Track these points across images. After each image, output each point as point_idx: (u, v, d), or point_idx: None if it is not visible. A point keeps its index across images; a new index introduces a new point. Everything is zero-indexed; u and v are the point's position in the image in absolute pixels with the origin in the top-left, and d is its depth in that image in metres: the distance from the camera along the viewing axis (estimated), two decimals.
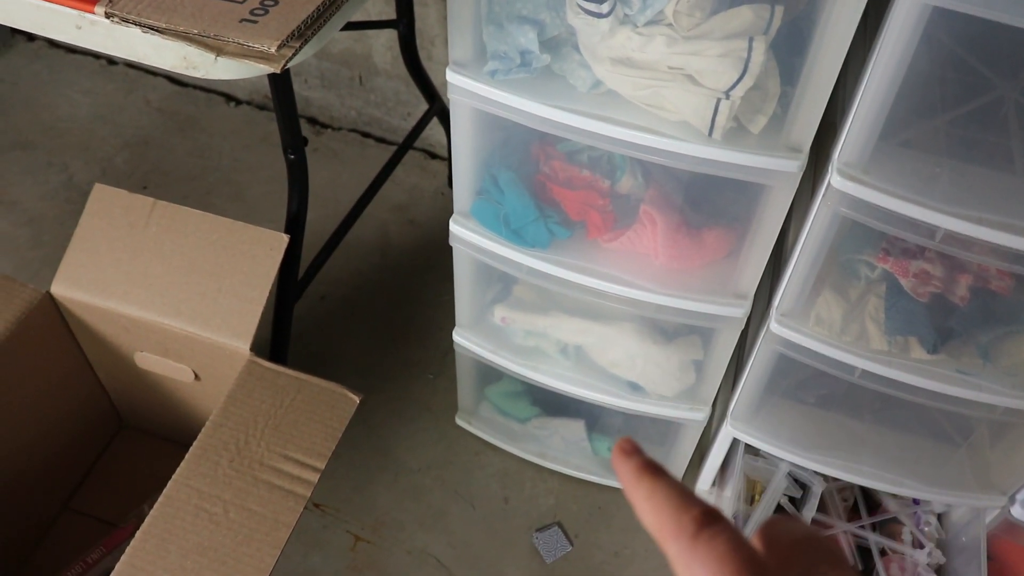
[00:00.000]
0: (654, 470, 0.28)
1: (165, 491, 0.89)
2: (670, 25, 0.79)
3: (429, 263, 1.65)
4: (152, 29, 0.70)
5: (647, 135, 0.84)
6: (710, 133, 0.83)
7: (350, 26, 1.49)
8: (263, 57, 0.68)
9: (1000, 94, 0.89)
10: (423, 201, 1.76)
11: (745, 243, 0.96)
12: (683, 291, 0.99)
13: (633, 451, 0.29)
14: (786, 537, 0.28)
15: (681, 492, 0.27)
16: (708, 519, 0.26)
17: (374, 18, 1.52)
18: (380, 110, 1.84)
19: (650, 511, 0.27)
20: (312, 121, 1.92)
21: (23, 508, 1.18)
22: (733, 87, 0.79)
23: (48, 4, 0.73)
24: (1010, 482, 1.12)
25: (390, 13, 1.43)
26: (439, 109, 1.55)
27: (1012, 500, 1.13)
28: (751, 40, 0.77)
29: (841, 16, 0.74)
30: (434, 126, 1.68)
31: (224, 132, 1.90)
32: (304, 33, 0.69)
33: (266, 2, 0.71)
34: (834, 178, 0.84)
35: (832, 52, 0.77)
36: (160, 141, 1.87)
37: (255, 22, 0.69)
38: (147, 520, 0.87)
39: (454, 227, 1.05)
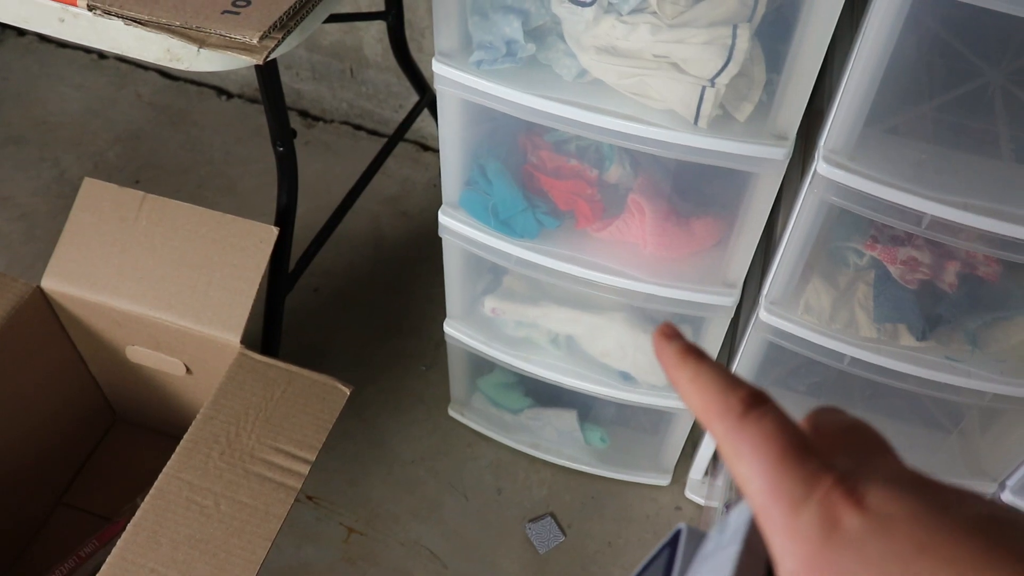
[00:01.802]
0: (697, 353, 0.28)
1: (156, 484, 0.89)
2: (654, 13, 0.79)
3: (421, 255, 1.65)
4: (135, 21, 0.70)
5: (633, 124, 0.84)
6: (696, 121, 0.83)
7: (339, 18, 1.49)
8: (245, 48, 0.68)
9: (986, 80, 0.89)
10: (415, 193, 1.76)
11: (733, 231, 0.96)
12: (672, 280, 0.99)
13: (674, 335, 0.29)
14: (833, 423, 0.28)
15: (726, 373, 0.27)
16: (756, 399, 0.26)
17: (363, 10, 1.51)
18: (371, 102, 1.83)
19: (695, 392, 0.27)
20: (304, 114, 1.92)
21: (17, 503, 1.19)
22: (718, 75, 0.79)
23: None
24: (1000, 468, 1.13)
25: (379, 5, 1.43)
26: (430, 100, 1.54)
27: (1002, 486, 1.13)
28: (735, 27, 0.77)
29: (824, 2, 0.74)
30: (426, 118, 1.68)
31: (216, 125, 1.89)
32: (287, 24, 0.69)
33: None
34: (820, 165, 0.84)
35: (816, 38, 0.77)
36: (152, 135, 1.87)
37: (237, 13, 0.69)
38: (138, 513, 0.87)
39: (443, 218, 1.05)
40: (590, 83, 0.87)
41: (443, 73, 0.89)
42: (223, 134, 1.87)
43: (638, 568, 0.30)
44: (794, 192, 0.96)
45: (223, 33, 0.68)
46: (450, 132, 0.98)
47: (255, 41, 0.67)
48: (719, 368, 0.27)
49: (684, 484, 1.36)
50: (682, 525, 0.29)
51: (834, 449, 0.26)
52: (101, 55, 2.03)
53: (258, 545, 0.86)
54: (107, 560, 0.84)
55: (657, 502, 1.35)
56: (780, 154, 0.84)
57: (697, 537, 0.28)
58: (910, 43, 0.79)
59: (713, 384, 0.26)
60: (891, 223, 0.86)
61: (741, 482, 0.25)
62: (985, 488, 1.15)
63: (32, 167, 1.78)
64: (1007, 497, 1.13)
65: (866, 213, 0.86)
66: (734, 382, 0.26)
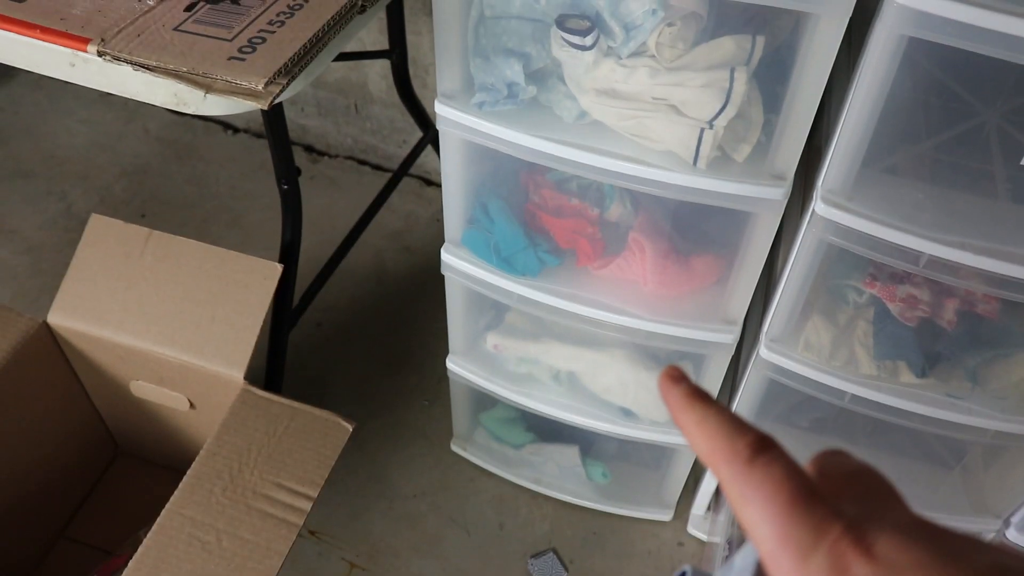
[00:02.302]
0: (704, 396, 0.28)
1: (159, 520, 0.90)
2: (653, 56, 0.80)
3: (424, 290, 1.66)
4: (143, 67, 0.71)
5: (633, 165, 0.85)
6: (695, 162, 0.84)
7: (343, 56, 1.51)
8: (251, 94, 0.69)
9: (982, 119, 0.90)
10: (418, 228, 1.77)
11: (733, 269, 0.97)
12: (673, 318, 1.00)
13: (681, 378, 0.29)
14: (840, 468, 0.28)
15: (733, 417, 0.27)
16: (763, 444, 0.26)
17: (368, 48, 1.54)
18: (376, 138, 1.85)
19: (702, 436, 0.27)
20: (309, 149, 1.94)
21: (20, 536, 1.19)
22: (716, 117, 0.80)
23: (43, 43, 0.75)
24: (1004, 505, 1.12)
25: (383, 43, 1.45)
26: (433, 136, 1.56)
27: (1007, 523, 1.13)
28: (733, 70, 0.79)
29: (821, 45, 0.75)
30: (429, 153, 1.70)
31: (222, 160, 1.91)
32: (291, 70, 0.71)
33: (254, 40, 0.72)
34: (818, 205, 0.85)
35: (813, 80, 0.78)
36: (158, 169, 1.89)
37: (243, 60, 0.70)
38: (140, 549, 0.88)
39: (445, 256, 1.06)
40: (590, 124, 0.88)
41: (445, 114, 0.91)
42: (229, 168, 1.89)
43: None
44: (793, 230, 0.97)
45: (229, 79, 0.69)
46: (452, 171, 0.99)
47: (260, 87, 0.69)
48: (726, 412, 0.27)
49: (686, 520, 1.35)
50: (687, 567, 0.29)
51: (841, 495, 0.26)
52: None
53: None
54: None
55: (659, 537, 1.35)
56: (778, 194, 0.85)
57: None
58: (906, 84, 0.80)
59: (720, 428, 0.26)
60: (889, 263, 0.87)
61: (748, 527, 0.25)
62: (989, 525, 1.15)
63: (39, 201, 1.80)
64: (1012, 534, 1.13)
65: (864, 252, 0.86)
66: (741, 426, 0.26)
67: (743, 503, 0.25)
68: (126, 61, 0.71)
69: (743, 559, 0.26)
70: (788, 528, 0.23)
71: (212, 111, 0.73)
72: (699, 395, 0.28)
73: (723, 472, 0.26)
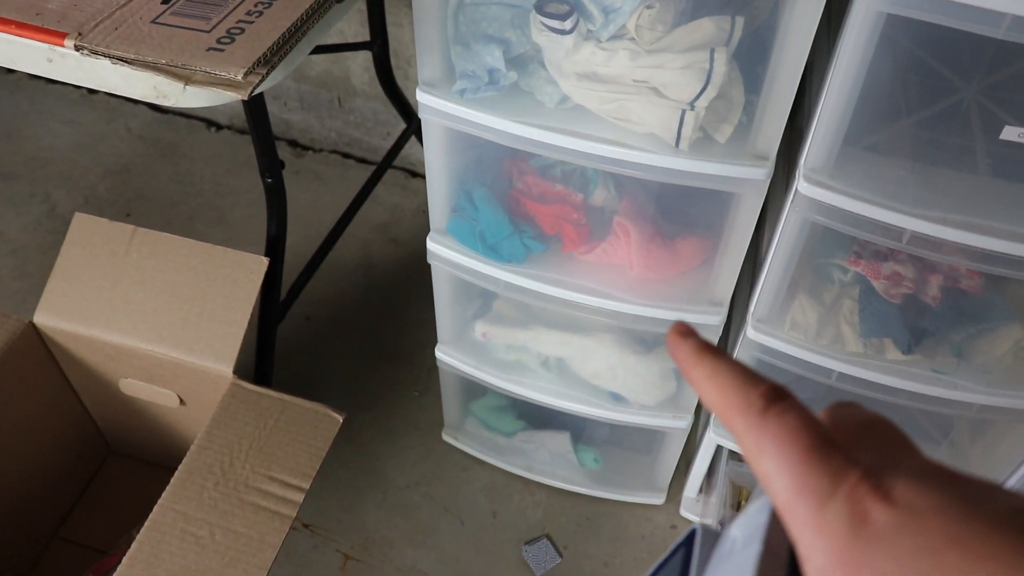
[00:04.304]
0: (713, 350, 0.27)
1: (151, 515, 0.90)
2: (633, 39, 0.80)
3: (412, 281, 1.66)
4: (121, 60, 0.71)
5: (615, 148, 0.85)
6: (677, 144, 0.84)
7: (324, 49, 1.51)
8: (230, 84, 0.69)
9: (962, 96, 0.90)
10: (404, 220, 1.77)
11: (718, 251, 0.97)
12: (659, 301, 1.00)
13: (688, 333, 0.28)
14: (853, 419, 0.28)
15: (744, 369, 0.26)
16: (776, 395, 0.25)
17: (349, 40, 1.53)
18: (360, 131, 1.85)
19: (714, 389, 0.26)
20: (292, 143, 1.93)
21: (13, 537, 1.19)
22: (697, 98, 0.81)
23: (19, 39, 0.75)
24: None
25: (364, 35, 1.45)
26: (417, 127, 1.56)
27: None
28: (713, 51, 0.79)
29: (800, 24, 0.76)
30: (414, 145, 1.70)
31: (206, 157, 1.91)
32: (271, 60, 0.71)
33: (233, 30, 0.72)
34: (801, 184, 0.86)
35: (793, 60, 0.78)
36: (142, 168, 1.88)
37: (222, 50, 0.70)
38: (134, 545, 0.88)
39: (431, 244, 1.06)
40: (572, 109, 0.88)
41: (427, 102, 0.91)
42: (213, 166, 1.88)
43: (651, 569, 0.29)
44: (777, 211, 0.98)
45: (208, 70, 0.69)
46: (436, 160, 0.99)
47: (240, 77, 0.68)
48: (736, 364, 0.27)
49: (679, 503, 1.36)
50: (697, 525, 0.29)
51: (856, 444, 0.26)
52: (90, 90, 2.04)
53: (254, 574, 0.86)
54: None
55: (652, 521, 1.35)
56: (761, 174, 0.85)
57: (712, 537, 0.28)
58: (885, 62, 0.80)
59: (732, 380, 0.26)
60: (873, 240, 0.87)
61: (764, 478, 0.24)
62: None
63: (23, 203, 1.79)
64: None
65: (848, 230, 0.87)
66: (753, 377, 0.26)
67: (758, 454, 0.25)
68: (104, 55, 0.71)
69: (755, 516, 0.26)
70: (805, 477, 0.23)
71: (192, 103, 0.73)
72: (708, 349, 0.28)
73: (737, 424, 0.25)
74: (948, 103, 0.90)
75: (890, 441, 0.26)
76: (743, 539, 0.26)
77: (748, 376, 0.26)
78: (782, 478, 0.24)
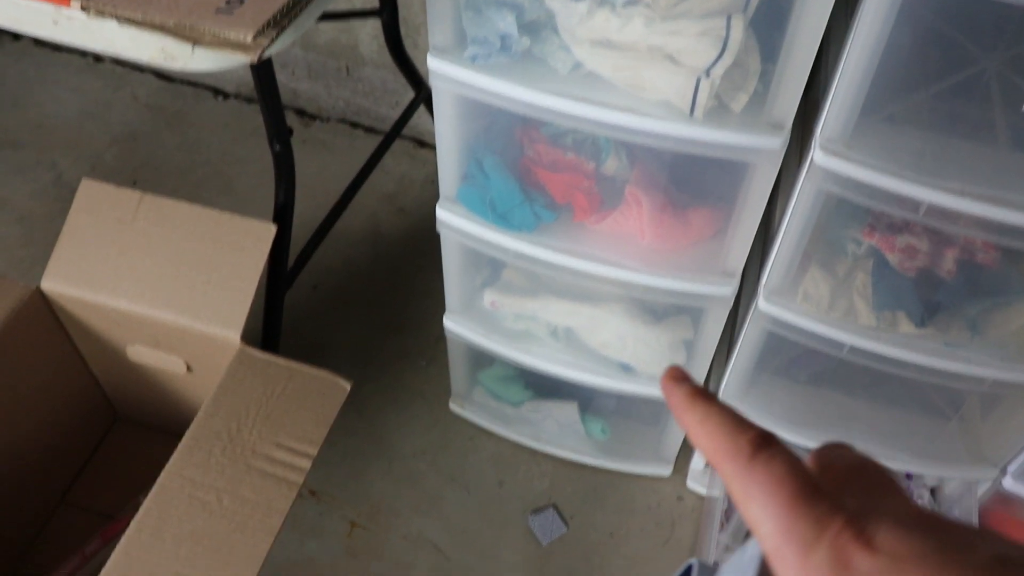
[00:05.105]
0: (705, 396, 0.29)
1: (159, 481, 0.89)
2: (648, 5, 0.79)
3: (419, 251, 1.65)
4: (128, 21, 0.70)
5: (629, 116, 0.84)
6: (692, 112, 0.83)
7: (333, 16, 1.49)
8: (239, 47, 0.68)
9: (982, 67, 0.89)
10: (412, 189, 1.76)
11: (731, 222, 0.96)
12: (671, 271, 0.99)
13: (683, 378, 0.30)
14: (841, 462, 0.28)
15: (734, 416, 0.27)
16: (764, 441, 0.26)
17: (358, 7, 1.51)
18: (368, 100, 1.83)
19: (704, 434, 0.27)
20: (300, 112, 1.92)
21: (21, 502, 1.19)
22: (713, 65, 0.79)
23: (24, 0, 0.73)
24: (1001, 454, 1.13)
25: (373, 2, 1.43)
26: (426, 96, 1.54)
27: (1003, 472, 1.14)
28: (730, 18, 0.78)
29: None
30: (422, 114, 1.68)
31: (213, 126, 1.89)
32: (280, 22, 0.69)
33: None
34: (817, 154, 0.84)
35: (811, 27, 0.77)
36: (149, 137, 1.87)
37: (231, 13, 0.69)
38: (141, 510, 0.87)
39: (440, 212, 1.05)
40: (585, 76, 0.87)
41: (438, 69, 0.89)
42: (220, 135, 1.87)
43: None
44: (791, 181, 0.96)
45: (217, 32, 0.68)
46: (446, 127, 0.98)
47: (249, 40, 0.67)
48: (727, 411, 0.28)
49: (686, 474, 1.36)
50: (693, 561, 0.30)
51: (842, 488, 0.26)
52: (97, 58, 2.03)
53: (261, 540, 0.86)
54: (111, 557, 0.84)
55: (659, 492, 1.35)
56: (776, 144, 0.84)
57: (708, 573, 0.29)
58: (905, 31, 0.79)
59: (722, 427, 0.27)
60: (889, 211, 0.86)
61: (751, 523, 0.25)
62: (986, 474, 1.15)
63: (29, 171, 1.78)
64: (1008, 483, 1.13)
65: (863, 202, 0.86)
66: (742, 424, 0.27)
67: (746, 499, 0.25)
68: (111, 15, 0.70)
69: (747, 555, 0.27)
70: (790, 523, 0.24)
71: (200, 66, 0.71)
72: (701, 394, 0.29)
73: (726, 469, 0.26)
74: (969, 74, 0.88)
75: (877, 485, 0.27)
76: None
77: (737, 422, 0.27)
78: (769, 524, 0.24)
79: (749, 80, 0.83)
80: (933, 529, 0.23)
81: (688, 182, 1.00)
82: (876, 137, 0.86)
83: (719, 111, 0.85)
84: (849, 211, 0.98)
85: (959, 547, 0.22)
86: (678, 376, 0.30)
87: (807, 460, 0.29)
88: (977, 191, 0.81)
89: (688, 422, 0.28)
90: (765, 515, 0.25)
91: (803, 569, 0.23)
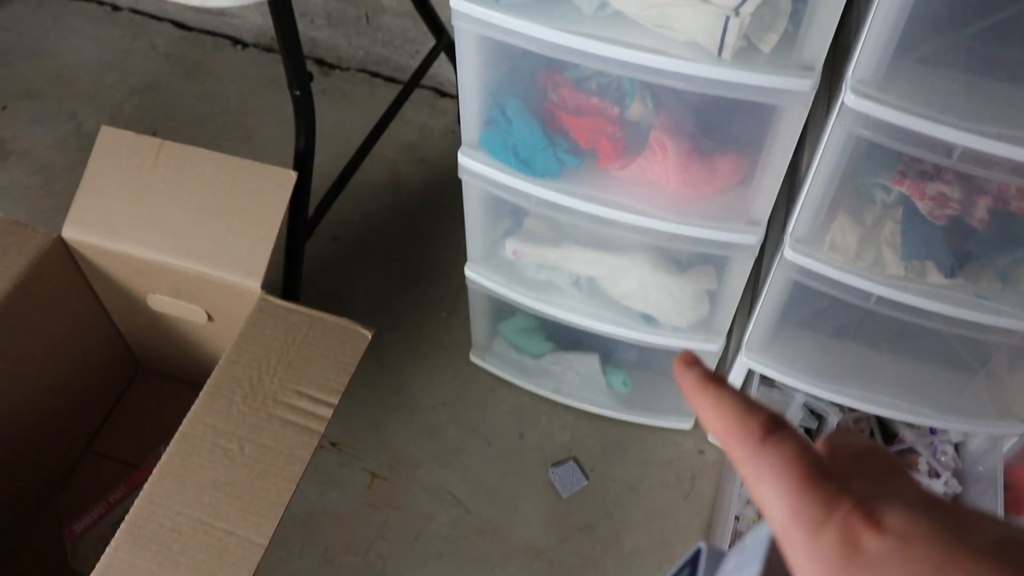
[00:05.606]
0: (717, 380, 0.29)
1: (181, 428, 0.90)
2: None
3: (440, 202, 1.64)
4: None
5: (655, 56, 0.82)
6: (720, 53, 0.80)
7: None
8: None
9: (1022, 7, 0.86)
10: (433, 140, 1.74)
11: (758, 168, 0.94)
12: (695, 218, 0.98)
13: (694, 362, 0.30)
14: (849, 447, 0.29)
15: (745, 399, 0.28)
16: (775, 424, 0.27)
17: None
18: (388, 48, 1.81)
19: (716, 417, 0.28)
20: (319, 62, 1.90)
21: (47, 451, 1.20)
22: (743, 4, 0.77)
23: None
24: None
25: None
26: (447, 44, 1.52)
27: None
28: None
29: None
30: (442, 63, 1.66)
31: (232, 76, 1.88)
32: None
33: None
34: (848, 96, 0.82)
35: None
36: (168, 86, 1.85)
37: None
38: (164, 457, 0.88)
39: (462, 159, 1.03)
40: (611, 15, 0.85)
41: (461, 8, 0.87)
42: (239, 84, 1.86)
43: None
44: (820, 127, 0.94)
45: None
46: (468, 71, 0.96)
47: None
48: (738, 394, 0.28)
49: None
50: (702, 544, 0.30)
51: (851, 472, 0.27)
52: (115, 7, 2.01)
53: (283, 487, 0.86)
54: (135, 503, 0.85)
55: (679, 446, 1.35)
56: (807, 85, 0.81)
57: (717, 556, 0.29)
58: None
59: (733, 410, 0.28)
60: (921, 155, 0.84)
61: (761, 505, 0.26)
62: (1013, 429, 1.14)
63: (49, 121, 1.78)
64: None
65: (895, 146, 0.84)
66: (753, 408, 0.27)
67: (756, 481, 0.26)
68: None
69: (756, 537, 0.27)
70: (800, 504, 0.24)
71: (220, 2, 0.70)
72: (712, 378, 0.29)
73: (736, 452, 0.27)
74: (1008, 14, 0.85)
75: (885, 470, 0.28)
76: (744, 561, 0.27)
77: (748, 406, 0.28)
78: (778, 505, 0.25)
79: (779, 19, 0.81)
80: (941, 512, 0.24)
81: (714, 127, 0.98)
82: (909, 79, 0.83)
83: (748, 52, 0.82)
84: (879, 157, 0.96)
85: (966, 529, 0.23)
86: (690, 360, 0.30)
87: (817, 444, 0.29)
88: (1014, 135, 0.79)
89: (700, 405, 0.29)
90: (775, 496, 0.25)
91: (812, 549, 0.24)
